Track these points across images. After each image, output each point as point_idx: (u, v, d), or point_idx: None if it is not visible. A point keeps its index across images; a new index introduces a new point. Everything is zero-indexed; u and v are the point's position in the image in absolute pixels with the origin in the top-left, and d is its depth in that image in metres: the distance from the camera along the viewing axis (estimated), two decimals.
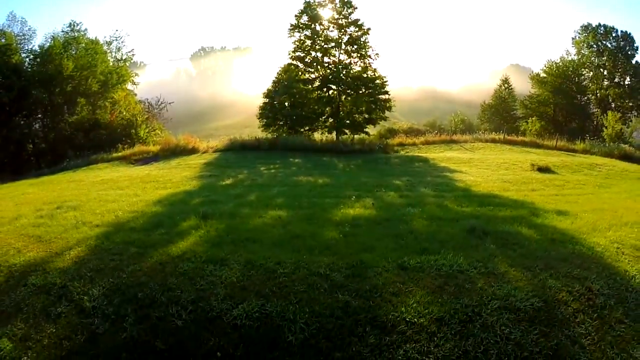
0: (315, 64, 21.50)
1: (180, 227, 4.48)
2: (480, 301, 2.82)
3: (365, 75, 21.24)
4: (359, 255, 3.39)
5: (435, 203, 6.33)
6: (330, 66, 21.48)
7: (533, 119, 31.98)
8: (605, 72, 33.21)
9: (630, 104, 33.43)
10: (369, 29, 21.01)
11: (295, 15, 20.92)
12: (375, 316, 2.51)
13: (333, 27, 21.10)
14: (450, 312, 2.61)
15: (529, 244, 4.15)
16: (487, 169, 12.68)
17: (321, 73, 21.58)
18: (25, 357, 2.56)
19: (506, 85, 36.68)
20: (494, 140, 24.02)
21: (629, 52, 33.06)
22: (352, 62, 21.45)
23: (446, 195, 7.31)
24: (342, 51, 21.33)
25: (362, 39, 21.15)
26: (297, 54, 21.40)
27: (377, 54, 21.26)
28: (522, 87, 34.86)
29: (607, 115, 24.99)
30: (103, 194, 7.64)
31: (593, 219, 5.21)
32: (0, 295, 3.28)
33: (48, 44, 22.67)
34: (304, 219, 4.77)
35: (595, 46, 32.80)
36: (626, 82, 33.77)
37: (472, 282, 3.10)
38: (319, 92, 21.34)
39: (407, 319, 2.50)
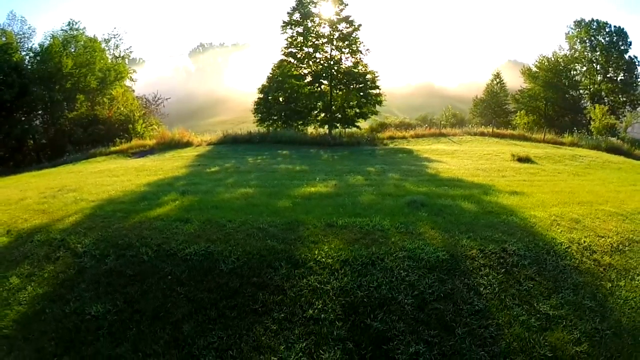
0: (307, 59, 22.08)
1: (161, 200, 5.26)
2: (388, 251, 3.54)
3: (356, 70, 21.80)
4: (297, 217, 4.15)
5: (394, 184, 7.03)
6: (321, 62, 22.04)
7: (521, 112, 32.41)
8: (598, 67, 33.46)
9: (624, 99, 33.69)
10: (359, 25, 21.52)
11: (288, 12, 21.45)
12: (291, 256, 3.30)
13: (324, 23, 21.62)
14: (355, 256, 3.35)
15: (460, 213, 4.73)
16: (469, 159, 13.25)
17: (313, 68, 22.16)
18: (29, 287, 3.37)
19: (498, 80, 37.06)
20: (482, 134, 24.46)
21: (622, 48, 33.23)
22: (343, 57, 21.98)
23: (410, 179, 7.98)
24: (333, 47, 21.87)
25: (353, 35, 21.66)
26: (290, 50, 21.97)
27: (367, 49, 21.79)
28: (520, 82, 35.14)
29: (594, 108, 25.41)
30: (100, 181, 8.42)
31: (544, 198, 5.75)
32: (11, 249, 4.08)
33: (48, 43, 23.38)
34: (266, 194, 5.54)
35: (588, 41, 33.02)
36: (619, 78, 33.93)
37: (387, 237, 3.83)
38: (310, 87, 21.94)
39: (317, 259, 3.26)
